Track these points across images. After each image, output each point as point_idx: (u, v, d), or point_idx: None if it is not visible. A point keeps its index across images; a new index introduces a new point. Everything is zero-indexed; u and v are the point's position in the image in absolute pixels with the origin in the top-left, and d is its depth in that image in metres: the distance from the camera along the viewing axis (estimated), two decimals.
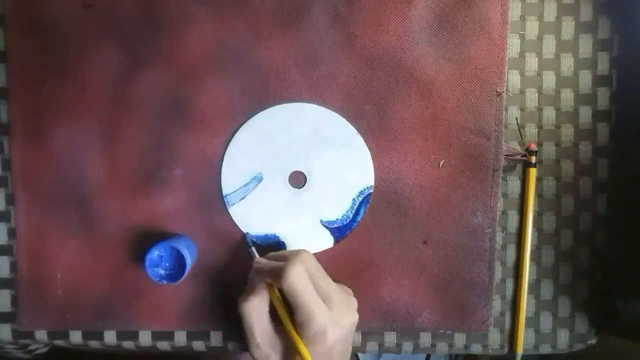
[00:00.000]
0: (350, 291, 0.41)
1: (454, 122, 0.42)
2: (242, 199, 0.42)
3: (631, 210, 0.44)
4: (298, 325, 0.36)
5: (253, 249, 0.41)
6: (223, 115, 0.42)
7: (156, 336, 0.44)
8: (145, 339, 0.44)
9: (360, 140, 0.42)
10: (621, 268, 0.44)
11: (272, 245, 0.42)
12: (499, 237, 0.44)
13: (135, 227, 0.42)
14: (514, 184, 0.43)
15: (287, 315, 0.37)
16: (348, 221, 0.42)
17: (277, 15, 0.41)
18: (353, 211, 0.42)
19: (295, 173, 0.42)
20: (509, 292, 0.44)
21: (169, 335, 0.44)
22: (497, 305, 0.44)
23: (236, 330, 0.43)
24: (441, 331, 0.43)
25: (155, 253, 0.39)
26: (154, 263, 0.39)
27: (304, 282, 0.35)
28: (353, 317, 0.38)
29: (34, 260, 0.42)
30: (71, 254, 0.42)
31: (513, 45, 0.42)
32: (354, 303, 0.40)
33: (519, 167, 0.43)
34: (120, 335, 0.44)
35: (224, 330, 0.44)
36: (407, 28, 0.41)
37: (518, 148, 0.43)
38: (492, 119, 0.42)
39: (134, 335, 0.44)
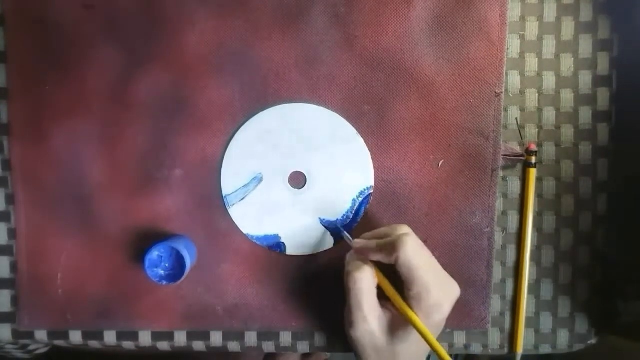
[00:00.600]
0: None
1: (453, 123, 0.42)
2: (242, 199, 0.42)
3: (631, 210, 0.44)
4: (413, 298, 0.35)
5: (346, 233, 0.41)
6: (223, 115, 0.42)
7: (156, 336, 0.44)
8: (145, 339, 0.44)
9: (360, 141, 0.42)
10: (621, 268, 0.44)
11: (272, 246, 0.42)
12: (499, 238, 0.44)
13: (135, 227, 0.42)
14: (514, 184, 0.43)
15: (394, 290, 0.36)
16: (348, 222, 0.42)
17: (277, 15, 0.41)
18: (353, 211, 0.42)
19: (295, 173, 0.42)
20: (509, 292, 0.44)
21: (169, 335, 0.44)
22: (497, 305, 0.44)
23: (236, 330, 0.43)
24: None
25: (155, 253, 0.39)
26: (154, 263, 0.39)
27: (419, 253, 0.35)
28: (458, 288, 0.37)
29: (34, 260, 0.42)
30: (71, 254, 0.42)
31: (513, 46, 0.42)
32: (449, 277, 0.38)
33: (519, 167, 0.43)
34: (120, 335, 0.44)
35: (224, 331, 0.44)
36: (407, 29, 0.41)
37: (517, 148, 0.43)
38: (491, 119, 0.42)
39: (134, 335, 0.44)
